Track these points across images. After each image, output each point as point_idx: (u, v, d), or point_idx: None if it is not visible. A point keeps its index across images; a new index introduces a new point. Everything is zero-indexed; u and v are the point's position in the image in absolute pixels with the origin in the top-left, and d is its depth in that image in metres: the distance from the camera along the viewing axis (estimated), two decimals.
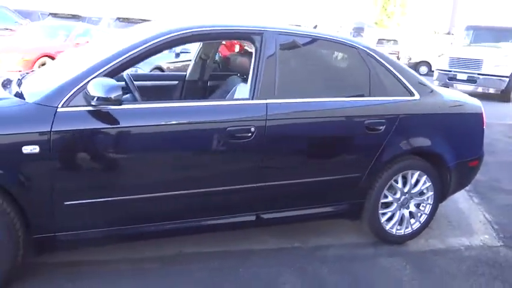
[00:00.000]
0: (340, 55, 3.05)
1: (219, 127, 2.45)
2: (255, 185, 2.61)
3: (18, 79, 2.72)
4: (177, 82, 3.86)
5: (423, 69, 20.88)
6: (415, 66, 21.52)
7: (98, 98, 2.15)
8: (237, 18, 3.80)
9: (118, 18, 12.70)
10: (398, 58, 25.59)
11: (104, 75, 2.27)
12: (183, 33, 2.50)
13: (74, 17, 12.88)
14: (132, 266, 2.65)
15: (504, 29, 13.19)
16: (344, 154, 2.88)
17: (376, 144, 2.90)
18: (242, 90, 2.96)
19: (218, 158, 2.53)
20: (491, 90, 11.98)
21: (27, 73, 3.01)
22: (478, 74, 12.04)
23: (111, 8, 15.90)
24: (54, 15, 12.99)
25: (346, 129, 2.85)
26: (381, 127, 2.89)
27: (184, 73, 3.93)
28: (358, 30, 33.20)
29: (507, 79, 11.79)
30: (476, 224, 3.71)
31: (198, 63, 3.85)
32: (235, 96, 3.00)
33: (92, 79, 2.23)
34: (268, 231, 3.16)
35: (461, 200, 4.16)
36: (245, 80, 3.17)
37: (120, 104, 2.19)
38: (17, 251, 2.22)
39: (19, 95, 2.34)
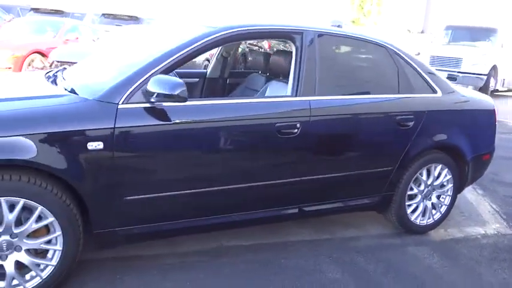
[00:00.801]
0: (371, 54, 3.17)
1: (270, 123, 2.54)
2: (298, 178, 2.71)
3: (62, 74, 2.74)
4: (198, 79, 3.91)
5: None
6: None
7: (162, 94, 2.20)
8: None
9: (103, 14, 12.53)
10: None
11: (160, 73, 2.32)
12: (233, 32, 2.56)
13: (57, 12, 12.60)
14: (177, 260, 2.71)
15: (481, 28, 13.68)
16: (378, 149, 3.01)
17: (405, 139, 3.05)
18: (276, 88, 3.05)
19: (267, 153, 2.62)
20: (470, 88, 12.42)
21: (65, 68, 3.03)
22: (458, 72, 12.46)
23: (93, 3, 15.59)
24: (36, 10, 12.67)
25: (380, 125, 2.98)
26: (410, 123, 3.03)
27: (205, 71, 3.98)
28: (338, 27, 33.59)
29: (485, 77, 12.26)
30: (486, 214, 3.93)
31: (219, 61, 3.91)
32: (267, 94, 3.10)
33: (150, 76, 2.28)
34: (298, 224, 3.26)
35: (467, 192, 4.37)
36: (270, 78, 3.27)
37: (185, 101, 2.25)
38: (78, 247, 2.25)
39: (73, 91, 2.35)
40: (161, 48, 2.56)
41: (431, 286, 2.69)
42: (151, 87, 2.21)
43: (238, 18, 3.16)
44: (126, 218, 2.33)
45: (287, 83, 2.89)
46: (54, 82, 2.66)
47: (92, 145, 2.14)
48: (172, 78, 2.24)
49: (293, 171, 2.70)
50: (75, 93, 2.34)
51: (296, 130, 2.61)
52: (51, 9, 12.68)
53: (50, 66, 7.55)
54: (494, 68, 12.52)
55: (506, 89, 13.58)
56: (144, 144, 2.27)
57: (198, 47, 2.46)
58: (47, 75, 2.85)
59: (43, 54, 8.56)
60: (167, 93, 2.18)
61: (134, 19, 12.30)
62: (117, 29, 11.74)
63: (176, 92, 2.18)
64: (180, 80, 2.23)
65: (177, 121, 2.31)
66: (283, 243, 3.03)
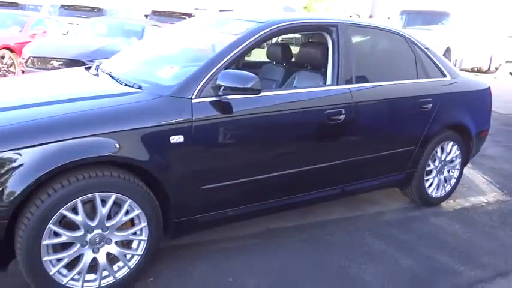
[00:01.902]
0: (392, 43, 3.42)
1: (321, 109, 2.74)
2: (342, 160, 2.94)
3: (104, 69, 2.81)
4: None
5: None
6: None
7: (233, 88, 2.32)
8: None
9: (62, 6, 12.06)
10: None
11: (224, 67, 2.45)
12: (282, 26, 2.72)
13: (11, 4, 11.96)
14: (234, 244, 2.86)
15: (434, 12, 14.43)
16: (405, 129, 3.30)
17: (426, 120, 3.35)
18: (306, 78, 3.23)
19: (319, 138, 2.82)
20: None
21: (99, 64, 3.06)
22: None
23: None
24: None
25: (407, 108, 3.25)
26: (429, 105, 3.33)
27: None
28: None
29: None
30: (482, 185, 4.36)
31: None
32: (296, 84, 3.27)
33: (216, 71, 2.40)
34: (330, 203, 3.49)
35: None
36: (292, 68, 3.44)
37: (259, 93, 2.39)
38: (160, 237, 2.36)
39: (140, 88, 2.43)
40: (211, 44, 2.67)
41: (465, 249, 3.02)
42: (222, 81, 2.33)
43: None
44: (201, 206, 2.46)
45: (317, 72, 3.09)
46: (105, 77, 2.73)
47: (174, 138, 2.24)
48: (243, 72, 2.38)
49: (339, 154, 2.92)
50: (140, 88, 2.43)
51: (341, 116, 2.82)
52: (5, 2, 12.02)
53: (26, 62, 7.28)
54: (448, 50, 13.28)
55: (458, 69, 14.48)
56: (218, 135, 2.40)
57: (253, 42, 2.60)
58: (91, 71, 2.89)
59: (12, 50, 8.23)
60: (241, 86, 2.31)
61: (96, 10, 11.93)
62: (81, 21, 11.40)
63: (250, 85, 2.32)
64: (253, 74, 2.37)
65: (246, 112, 2.46)
66: (322, 222, 3.26)
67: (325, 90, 2.86)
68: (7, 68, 8.18)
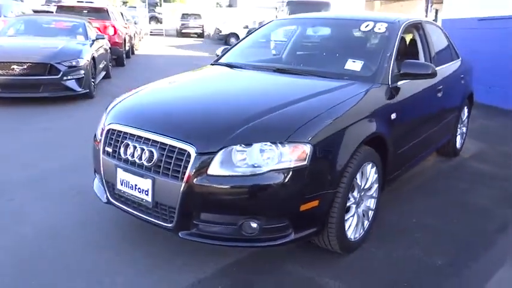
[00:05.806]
0: (439, 34, 4.48)
1: (436, 85, 3.71)
2: (441, 123, 3.95)
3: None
4: None
5: (233, 40, 23.04)
6: (226, 38, 23.65)
7: (414, 74, 3.09)
8: None
9: None
10: (203, 31, 27.46)
11: (394, 60, 3.18)
12: (408, 23, 3.57)
13: None
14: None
15: (315, 2, 16.28)
16: (457, 99, 4.43)
17: (462, 91, 4.55)
18: None
19: (434, 109, 3.77)
20: None
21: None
22: None
23: None
24: None
25: (457, 82, 4.39)
26: (463, 80, 4.53)
27: None
28: (153, 5, 33.49)
29: None
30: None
31: None
32: None
33: (393, 63, 3.13)
34: None
35: None
36: None
37: (436, 76, 3.17)
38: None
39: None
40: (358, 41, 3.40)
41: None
42: (407, 69, 3.07)
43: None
44: (395, 166, 3.17)
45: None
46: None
47: (393, 116, 2.93)
48: (420, 62, 3.16)
49: (439, 120, 3.91)
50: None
51: (441, 91, 3.79)
52: None
53: None
54: None
55: None
56: (406, 111, 3.15)
57: (399, 37, 3.37)
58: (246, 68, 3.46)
59: None
60: (424, 72, 3.08)
61: None
62: None
63: (430, 71, 3.10)
64: (427, 62, 3.16)
65: (414, 91, 3.26)
66: (407, 176, 4.19)
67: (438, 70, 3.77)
68: None
